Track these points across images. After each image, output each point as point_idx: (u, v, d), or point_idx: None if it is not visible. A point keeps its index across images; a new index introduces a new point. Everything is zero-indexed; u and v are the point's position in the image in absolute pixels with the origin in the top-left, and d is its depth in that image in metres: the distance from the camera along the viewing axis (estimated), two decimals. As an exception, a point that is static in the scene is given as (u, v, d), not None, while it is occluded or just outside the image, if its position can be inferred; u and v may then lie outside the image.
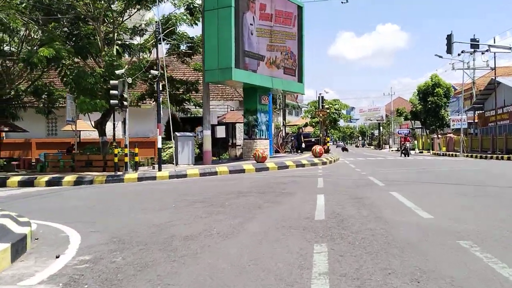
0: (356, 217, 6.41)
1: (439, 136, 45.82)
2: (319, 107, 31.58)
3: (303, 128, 40.96)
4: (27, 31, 19.20)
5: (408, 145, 34.17)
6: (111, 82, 16.31)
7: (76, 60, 18.95)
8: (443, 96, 43.61)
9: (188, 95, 23.91)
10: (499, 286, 3.43)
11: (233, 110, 28.58)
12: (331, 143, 78.65)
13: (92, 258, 4.47)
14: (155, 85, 17.78)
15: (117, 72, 16.32)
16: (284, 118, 35.51)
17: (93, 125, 19.96)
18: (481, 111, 39.69)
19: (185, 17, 20.12)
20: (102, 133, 19.43)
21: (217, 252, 4.59)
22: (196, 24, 20.73)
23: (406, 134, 55.49)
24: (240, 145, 25.46)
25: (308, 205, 7.74)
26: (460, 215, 6.59)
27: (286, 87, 23.45)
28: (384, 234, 5.24)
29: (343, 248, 4.60)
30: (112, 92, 16.18)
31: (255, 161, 19.12)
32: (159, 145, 17.53)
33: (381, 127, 76.85)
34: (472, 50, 36.34)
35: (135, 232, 5.75)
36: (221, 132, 22.25)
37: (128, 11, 18.88)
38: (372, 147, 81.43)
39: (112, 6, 18.57)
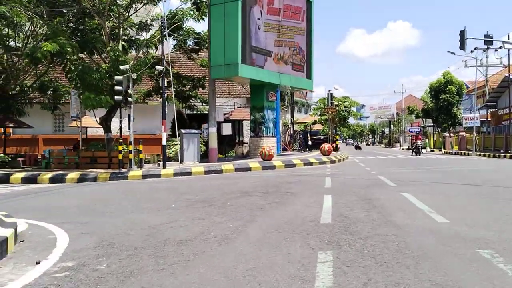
0: (365, 221, 5.96)
1: (451, 134, 44.99)
2: (328, 104, 31.02)
3: (311, 126, 40.41)
4: (32, 26, 18.97)
5: (419, 143, 33.51)
6: (116, 77, 16.02)
7: (81, 55, 18.67)
8: (455, 93, 42.80)
9: (194, 91, 23.57)
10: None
11: (240, 107, 28.16)
12: (341, 141, 78.05)
13: (75, 264, 4.09)
14: (165, 82, 17.40)
15: (121, 67, 15.99)
16: (292, 116, 35.00)
17: (98, 121, 19.70)
18: (494, 109, 38.84)
19: (191, 12, 19.76)
20: (107, 129, 19.16)
21: (211, 259, 4.18)
22: (203, 19, 20.36)
23: (417, 132, 54.68)
24: (247, 143, 25.06)
25: (314, 207, 7.30)
26: (479, 219, 6.11)
27: (294, 84, 22.93)
28: (396, 241, 4.78)
29: (350, 257, 4.17)
30: (116, 88, 15.89)
31: (261, 159, 18.71)
32: (164, 142, 17.18)
33: (391, 125, 75.93)
34: (485, 47, 35.56)
35: (128, 235, 5.37)
36: (227, 129, 21.79)
37: (134, 5, 18.56)
38: (382, 145, 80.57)
39: (117, 0, 18.23)
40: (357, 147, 53.03)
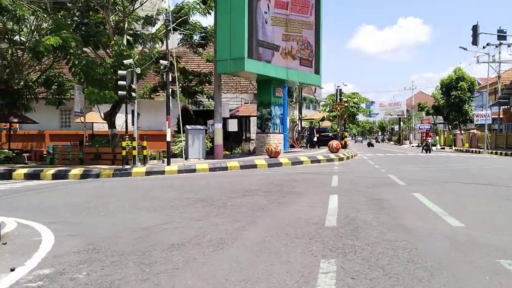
0: (373, 224, 5.54)
1: (462, 132, 44.19)
2: (337, 100, 30.47)
3: (320, 123, 39.89)
4: (36, 20, 18.73)
5: (430, 141, 32.87)
6: (119, 72, 15.70)
7: (86, 50, 18.39)
8: (467, 90, 42.02)
9: (201, 87, 23.21)
10: None
11: (247, 103, 27.73)
12: (350, 138, 77.24)
13: (52, 272, 3.73)
14: (169, 76, 17.06)
15: (125, 62, 15.66)
16: (300, 112, 34.46)
17: (103, 117, 19.43)
18: (506, 106, 37.95)
19: (198, 6, 19.37)
20: (111, 125, 18.87)
21: (202, 268, 3.80)
22: (210, 13, 19.95)
23: (427, 130, 53.85)
24: (254, 140, 24.65)
25: (318, 208, 6.89)
26: (496, 223, 5.66)
27: (302, 79, 22.42)
28: (407, 248, 4.36)
29: (355, 267, 3.76)
30: (120, 82, 15.58)
31: (268, 156, 18.31)
32: (168, 138, 16.85)
33: (401, 122, 75.00)
34: (498, 42, 34.78)
35: (117, 237, 5.02)
36: (233, 125, 21.42)
37: (139, -1, 18.23)
38: (392, 142, 79.68)
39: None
40: (370, 144, 52.21)
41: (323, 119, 40.79)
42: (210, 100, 24.63)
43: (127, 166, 15.71)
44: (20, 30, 19.44)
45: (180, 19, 19.20)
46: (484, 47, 35.34)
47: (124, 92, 15.71)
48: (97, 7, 17.60)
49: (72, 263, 3.98)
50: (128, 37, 19.46)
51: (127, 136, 19.21)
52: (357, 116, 44.68)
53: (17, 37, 19.70)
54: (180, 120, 18.02)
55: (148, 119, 27.69)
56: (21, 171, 14.92)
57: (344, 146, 28.55)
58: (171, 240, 4.80)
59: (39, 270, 3.80)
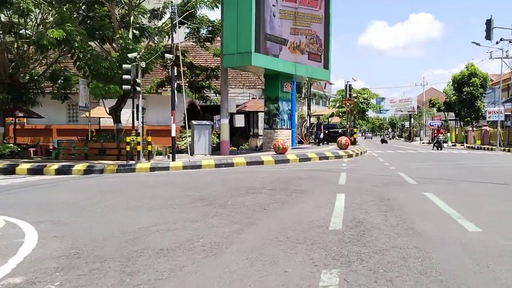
0: (381, 228, 5.12)
1: (474, 128, 43.33)
2: (346, 96, 29.90)
3: (329, 119, 39.34)
4: (41, 14, 18.49)
5: (441, 137, 32.19)
6: (124, 66, 15.42)
7: (92, 44, 18.11)
8: (479, 86, 41.17)
9: (208, 82, 22.84)
10: None
11: (255, 98, 27.29)
12: (360, 135, 76.45)
13: (23, 281, 3.37)
14: (174, 71, 16.72)
15: (129, 55, 15.36)
16: (309, 108, 33.93)
17: (108, 111, 19.17)
18: (519, 103, 37.14)
19: (205, -1, 18.98)
20: (117, 120, 18.61)
21: (188, 279, 3.41)
22: (217, 6, 19.52)
23: (439, 126, 52.96)
24: (261, 135, 24.24)
25: (323, 208, 6.48)
26: (516, 228, 5.21)
27: (310, 74, 21.90)
28: (419, 257, 3.93)
29: (360, 280, 3.34)
30: (124, 76, 15.30)
31: (275, 153, 17.92)
32: (173, 133, 16.52)
33: (412, 119, 74.03)
34: (513, 37, 33.82)
35: (105, 240, 4.67)
36: (239, 121, 20.99)
37: (145, -8, 17.89)
38: (402, 139, 78.72)
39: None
40: (383, 141, 51.40)
41: (332, 115, 40.21)
42: (217, 95, 24.25)
43: (131, 162, 15.43)
44: (26, 24, 19.24)
45: (187, 12, 18.83)
46: (497, 42, 34.44)
47: (129, 87, 15.43)
48: (102, 0, 17.29)
49: (47, 271, 3.62)
50: (134, 31, 19.16)
51: (133, 131, 18.91)
52: (367, 112, 44.00)
53: (23, 31, 19.51)
54: (186, 115, 17.69)
55: (155, 114, 27.42)
56: (24, 166, 14.72)
57: (354, 142, 28.03)
58: (161, 244, 4.43)
59: (10, 278, 3.45)
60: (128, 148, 15.77)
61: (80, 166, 14.57)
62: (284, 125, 20.70)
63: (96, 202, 7.63)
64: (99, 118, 25.02)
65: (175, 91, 16.95)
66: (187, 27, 21.19)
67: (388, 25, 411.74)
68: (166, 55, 16.53)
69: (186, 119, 17.72)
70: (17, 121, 27.02)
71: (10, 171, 14.52)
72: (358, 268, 3.63)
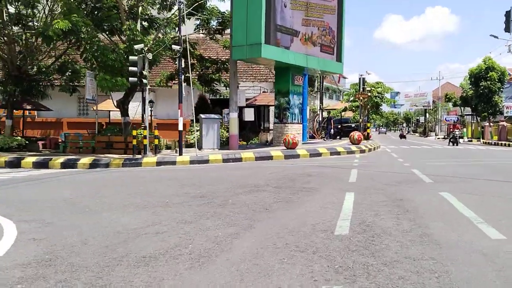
0: (393, 234, 4.60)
1: (491, 124, 42.20)
2: (360, 90, 29.14)
3: (342, 113, 38.59)
4: (48, 5, 18.20)
5: (457, 133, 31.32)
6: (130, 58, 15.06)
7: (101, 36, 17.80)
8: (497, 80, 40.04)
9: (218, 75, 22.38)
10: None
11: (266, 92, 26.74)
12: (374, 130, 75.29)
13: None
14: (182, 63, 16.29)
15: (136, 47, 14.97)
16: (321, 102, 33.25)
17: (115, 104, 18.86)
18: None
19: (215, -10, 18.52)
20: (124, 113, 18.28)
21: (166, 295, 2.98)
22: (227, -3, 19.06)
23: (455, 121, 51.79)
24: (272, 130, 23.73)
25: (330, 209, 5.98)
26: (545, 236, 4.65)
27: (322, 67, 21.26)
28: (435, 271, 3.41)
29: (366, 300, 2.87)
30: (131, 68, 14.94)
31: (284, 148, 17.42)
32: (180, 127, 16.13)
33: (427, 114, 72.67)
34: (532, 29, 32.65)
35: (85, 245, 4.23)
36: (249, 114, 20.49)
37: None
38: (417, 134, 77.41)
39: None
40: (402, 136, 50.33)
41: (345, 110, 39.38)
42: (227, 88, 23.79)
43: (137, 156, 15.13)
44: (34, 15, 19.01)
45: (196, 3, 18.37)
46: (516, 35, 33.39)
47: (135, 79, 15.07)
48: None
49: (7, 283, 3.20)
50: (143, 22, 18.79)
51: (143, 125, 18.60)
52: (381, 107, 43.01)
53: (31, 23, 19.29)
54: (193, 109, 17.28)
55: (165, 108, 27.09)
56: (30, 160, 14.51)
57: (367, 137, 27.33)
58: (145, 250, 3.98)
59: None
60: (134, 142, 15.47)
61: (85, 160, 14.30)
62: (294, 119, 20.15)
63: (93, 198, 7.25)
64: (109, 111, 24.75)
65: (183, 84, 16.54)
66: (197, 19, 20.74)
67: (404, 18, 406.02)
68: (174, 46, 16.12)
69: (194, 113, 17.35)
70: (28, 113, 27.02)
71: (15, 164, 14.34)
72: (364, 285, 3.12)
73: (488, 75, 39.95)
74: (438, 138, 51.72)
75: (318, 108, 33.25)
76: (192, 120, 19.87)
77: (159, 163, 14.38)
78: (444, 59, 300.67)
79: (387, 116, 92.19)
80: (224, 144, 19.48)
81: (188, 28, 20.99)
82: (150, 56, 15.59)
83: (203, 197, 7.06)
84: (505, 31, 29.46)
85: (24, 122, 23.99)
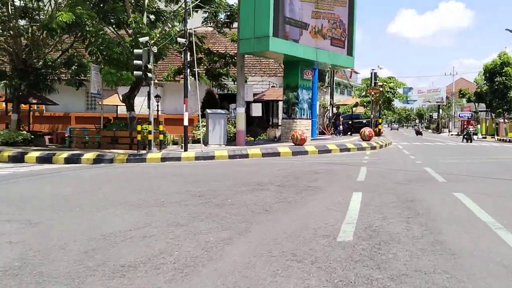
0: (402, 240, 4.17)
1: (506, 120, 41.21)
2: (371, 85, 28.50)
3: (353, 109, 37.93)
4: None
5: (471, 129, 30.55)
6: (135, 51, 14.77)
7: (108, 30, 17.51)
8: (512, 76, 39.06)
9: (226, 69, 21.98)
10: None
11: (275, 87, 26.26)
12: (386, 126, 74.29)
13: None
14: (187, 56, 15.92)
15: (140, 39, 14.65)
16: (331, 97, 32.64)
17: (121, 99, 18.60)
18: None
19: (223, -19, 18.10)
20: (130, 107, 18.01)
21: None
22: (236, -11, 18.63)
23: (468, 118, 50.76)
24: (281, 125, 23.29)
25: (335, 211, 5.56)
26: None
27: (333, 60, 20.66)
28: (449, 288, 3.00)
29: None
30: (135, 62, 14.64)
31: (293, 144, 16.99)
32: (185, 122, 15.80)
33: (440, 110, 71.46)
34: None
35: (61, 249, 3.87)
36: (257, 110, 20.05)
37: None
38: (430, 130, 76.28)
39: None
40: (418, 132, 49.43)
41: (356, 105, 38.68)
42: (235, 83, 23.41)
43: (142, 152, 14.86)
44: (39, 8, 18.81)
45: (204, -4, 17.98)
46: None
47: (140, 72, 14.76)
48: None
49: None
50: (150, 15, 18.47)
51: (150, 120, 18.35)
52: (393, 102, 42.23)
53: (37, 16, 19.09)
54: (198, 104, 16.95)
55: (173, 103, 26.84)
56: (33, 154, 14.32)
57: (378, 133, 26.77)
58: (126, 257, 3.61)
59: None
60: (139, 137, 15.20)
61: (89, 155, 14.07)
62: (303, 114, 19.67)
63: (88, 196, 6.93)
64: (116, 106, 24.53)
65: (188, 78, 16.19)
66: (205, 12, 20.35)
67: (418, 13, 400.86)
68: (179, 39, 15.75)
69: (199, 108, 17.01)
70: (36, 108, 26.96)
71: (19, 159, 14.17)
72: (366, 304, 2.72)
73: (504, 70, 39.13)
74: (452, 135, 50.82)
75: (329, 103, 32.67)
76: (199, 115, 19.56)
77: (163, 159, 14.09)
78: (458, 54, 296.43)
79: (399, 112, 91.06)
80: (231, 140, 19.13)
81: (196, 21, 20.63)
82: (155, 49, 15.27)
83: (202, 196, 6.69)
84: (522, 24, 28.52)
85: (32, 116, 23.91)
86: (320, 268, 3.36)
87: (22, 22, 18.92)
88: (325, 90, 33.67)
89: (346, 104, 38.96)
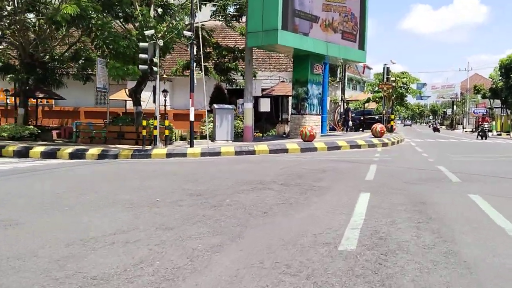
0: (411, 250, 3.74)
1: (522, 117, 40.26)
2: (384, 80, 27.83)
3: (365, 104, 37.23)
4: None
5: (486, 126, 29.73)
6: (141, 44, 14.43)
7: (115, 24, 17.23)
8: (529, 72, 38.03)
9: (234, 63, 21.57)
10: None
11: (284, 82, 25.78)
12: (399, 122, 73.23)
13: None
14: (194, 50, 15.56)
15: (146, 33, 14.32)
16: (343, 92, 32.02)
17: (127, 93, 18.34)
18: None
19: (231, -27, 17.66)
20: (136, 102, 17.72)
21: None
22: (245, -18, 18.17)
23: (483, 114, 49.70)
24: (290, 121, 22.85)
25: (339, 214, 5.14)
26: None
27: (343, 55, 20.10)
28: (464, 313, 2.59)
29: None
30: (141, 55, 14.30)
31: (301, 140, 16.55)
32: (191, 118, 15.46)
33: (454, 106, 70.16)
34: None
35: (33, 256, 3.52)
36: (265, 105, 19.61)
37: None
38: (443, 127, 75.04)
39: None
40: (436, 129, 48.45)
41: (368, 101, 37.95)
42: (244, 77, 23.02)
43: (147, 147, 14.59)
44: (47, 1, 18.60)
45: (212, -12, 17.59)
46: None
47: (146, 66, 14.44)
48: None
49: None
50: (157, 8, 18.12)
51: (158, 116, 18.07)
52: (406, 98, 41.37)
53: (44, 9, 18.89)
54: (205, 98, 16.57)
55: (182, 98, 26.50)
56: (38, 149, 14.15)
57: (390, 130, 26.15)
58: (100, 267, 3.25)
59: None
60: (144, 132, 14.94)
61: (94, 151, 13.85)
62: (313, 110, 19.19)
63: (77, 195, 6.60)
64: (125, 101, 24.33)
65: (194, 72, 15.83)
66: (213, 5, 19.97)
67: (432, 8, 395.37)
68: (185, 32, 15.39)
69: (205, 103, 16.65)
70: (45, 102, 26.93)
71: (23, 153, 14.01)
72: (365, 333, 2.32)
73: (520, 66, 38.11)
74: (466, 132, 49.85)
75: (340, 99, 32.07)
76: (209, 111, 19.24)
77: (169, 155, 13.81)
78: (473, 50, 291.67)
79: (412, 108, 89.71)
80: (239, 135, 18.76)
81: (205, 14, 20.25)
82: (161, 42, 14.91)
83: (199, 196, 6.32)
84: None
85: (42, 111, 23.84)
86: (316, 284, 2.96)
87: (30, 16, 18.73)
88: (336, 85, 33.07)
89: (358, 100, 38.27)
